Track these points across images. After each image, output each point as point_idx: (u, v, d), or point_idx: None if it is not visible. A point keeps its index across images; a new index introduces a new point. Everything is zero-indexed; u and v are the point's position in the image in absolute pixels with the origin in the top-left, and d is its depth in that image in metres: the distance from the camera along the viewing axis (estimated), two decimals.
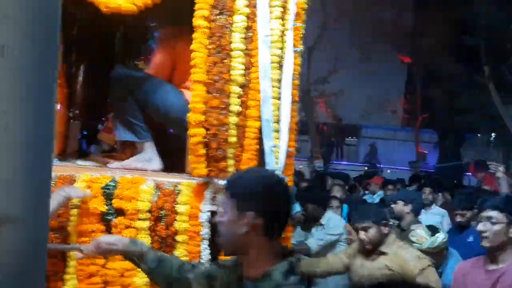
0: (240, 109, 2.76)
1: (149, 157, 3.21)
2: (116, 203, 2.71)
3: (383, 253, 3.46)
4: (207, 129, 2.69)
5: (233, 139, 2.72)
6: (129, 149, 3.45)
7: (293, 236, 4.95)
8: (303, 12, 3.06)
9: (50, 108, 0.81)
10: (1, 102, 0.74)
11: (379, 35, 19.07)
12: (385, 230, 3.51)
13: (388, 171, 17.52)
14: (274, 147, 2.82)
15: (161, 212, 2.71)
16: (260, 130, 2.80)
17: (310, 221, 4.85)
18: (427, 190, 6.16)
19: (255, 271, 1.68)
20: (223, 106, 2.72)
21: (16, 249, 0.79)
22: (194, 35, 2.75)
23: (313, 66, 19.10)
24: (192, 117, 2.67)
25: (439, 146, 19.55)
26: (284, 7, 2.94)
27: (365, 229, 3.47)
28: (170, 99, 3.13)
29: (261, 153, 2.83)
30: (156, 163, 3.20)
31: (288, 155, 2.99)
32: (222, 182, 2.59)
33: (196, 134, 2.67)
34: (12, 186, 0.77)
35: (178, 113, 3.00)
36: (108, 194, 2.74)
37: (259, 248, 1.68)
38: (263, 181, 1.75)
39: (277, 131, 2.89)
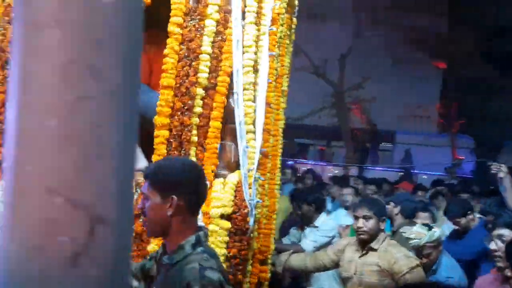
0: (202, 110, 2.88)
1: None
2: None
3: (373, 250, 3.52)
4: (171, 130, 2.83)
5: (194, 139, 2.85)
6: None
7: (288, 235, 5.07)
8: (278, 17, 3.17)
9: (134, 120, 0.90)
10: (95, 115, 0.82)
11: (413, 42, 18.95)
12: (382, 225, 3.58)
13: (424, 176, 17.24)
14: (247, 147, 2.94)
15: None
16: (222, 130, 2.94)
17: (304, 222, 4.93)
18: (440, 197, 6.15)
19: (173, 246, 1.91)
20: (186, 108, 2.85)
21: (109, 248, 0.84)
22: (167, 41, 2.91)
23: (347, 73, 19.13)
24: (158, 120, 2.83)
25: (475, 152, 19.14)
26: (259, 12, 3.07)
27: (366, 218, 3.54)
28: (152, 102, 3.30)
29: (236, 152, 2.97)
30: (142, 162, 3.37)
31: (264, 155, 3.11)
32: None
33: (159, 135, 2.82)
34: (103, 190, 0.84)
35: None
36: None
37: (180, 226, 1.90)
38: (182, 168, 1.96)
39: (252, 132, 3.01)
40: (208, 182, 2.58)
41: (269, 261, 3.76)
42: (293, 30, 3.93)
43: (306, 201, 4.86)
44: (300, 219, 5.07)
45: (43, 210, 0.80)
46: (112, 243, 0.86)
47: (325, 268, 3.94)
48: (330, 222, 4.84)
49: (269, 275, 3.61)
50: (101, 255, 0.84)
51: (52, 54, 0.81)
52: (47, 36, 0.81)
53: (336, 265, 3.80)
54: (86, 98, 0.83)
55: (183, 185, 1.89)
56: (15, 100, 0.84)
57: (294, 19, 3.97)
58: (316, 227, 4.74)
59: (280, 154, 3.81)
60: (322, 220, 4.80)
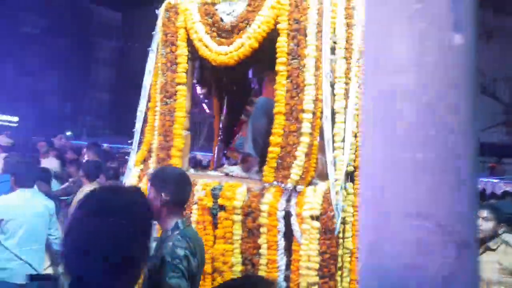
0: (310, 131, 3.56)
1: (255, 169, 4.17)
2: (220, 201, 3.71)
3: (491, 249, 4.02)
4: (283, 147, 3.56)
5: (302, 154, 3.53)
6: (245, 162, 4.42)
7: None
8: None
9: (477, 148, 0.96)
10: (454, 147, 0.91)
11: None
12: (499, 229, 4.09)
13: None
14: (333, 160, 3.55)
15: (249, 209, 3.62)
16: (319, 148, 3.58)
17: None
18: None
19: (164, 228, 2.69)
20: (296, 130, 3.56)
21: (473, 273, 0.92)
22: (276, 77, 3.67)
23: None
24: (272, 140, 3.59)
25: None
26: (347, 48, 3.68)
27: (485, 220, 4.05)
28: None
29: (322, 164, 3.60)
30: (256, 174, 4.14)
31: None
32: (289, 186, 3.47)
33: (273, 152, 3.57)
34: (462, 216, 0.90)
35: None
36: (214, 194, 3.76)
37: (167, 215, 2.66)
38: (171, 175, 2.81)
39: (341, 148, 3.60)
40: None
41: None
42: None
43: None
44: None
45: (407, 232, 0.90)
46: (475, 267, 0.92)
47: None
48: None
49: None
50: (468, 279, 0.90)
51: (414, 94, 0.93)
52: (407, 78, 0.93)
53: None
54: (446, 132, 0.90)
55: (169, 187, 2.67)
56: (372, 136, 0.97)
57: None
58: None
59: None
60: None
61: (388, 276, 0.91)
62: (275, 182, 3.58)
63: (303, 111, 3.57)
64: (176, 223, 2.65)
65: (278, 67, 3.67)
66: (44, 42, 27.50)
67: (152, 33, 4.20)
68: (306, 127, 3.56)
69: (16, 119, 27.50)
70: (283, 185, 3.54)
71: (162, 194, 2.65)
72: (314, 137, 3.61)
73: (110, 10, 39.95)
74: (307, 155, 3.58)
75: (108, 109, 37.39)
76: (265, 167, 3.65)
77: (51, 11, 28.53)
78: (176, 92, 4.03)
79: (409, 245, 0.89)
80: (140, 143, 4.19)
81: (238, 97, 5.12)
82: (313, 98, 3.58)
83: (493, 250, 3.90)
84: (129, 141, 4.27)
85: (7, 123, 25.89)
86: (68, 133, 17.99)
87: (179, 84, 4.03)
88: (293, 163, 3.56)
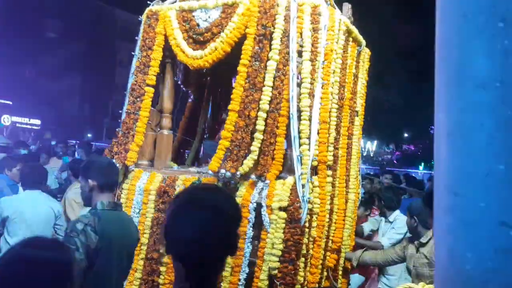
0: (263, 128, 3.86)
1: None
2: None
3: (422, 245, 4.10)
4: (233, 141, 3.88)
5: (253, 149, 3.84)
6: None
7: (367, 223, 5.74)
8: (331, 53, 4.00)
9: None
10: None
11: None
12: (414, 223, 4.25)
13: None
14: (300, 156, 3.82)
15: None
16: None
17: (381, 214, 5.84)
18: None
19: None
20: (247, 127, 3.88)
21: None
22: (236, 77, 3.98)
23: None
24: (223, 133, 3.91)
25: None
26: (313, 51, 3.95)
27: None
28: None
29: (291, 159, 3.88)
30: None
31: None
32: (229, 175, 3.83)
33: (221, 144, 3.95)
34: None
35: None
36: None
37: (95, 198, 3.05)
38: (98, 164, 3.19)
39: (307, 144, 3.87)
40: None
41: (343, 251, 4.55)
42: (364, 61, 4.77)
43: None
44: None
45: (490, 239, 0.96)
46: None
47: (393, 262, 4.53)
48: (403, 219, 5.36)
49: (334, 262, 4.39)
50: None
51: (494, 109, 0.96)
52: (490, 94, 0.97)
53: (403, 259, 4.38)
54: None
55: (93, 173, 3.05)
56: (455, 148, 1.02)
57: (367, 51, 4.79)
58: (390, 222, 5.52)
59: (354, 165, 4.61)
60: (395, 215, 5.55)
61: (470, 281, 0.99)
62: (221, 171, 3.90)
63: (258, 109, 3.88)
64: (94, 204, 3.03)
65: (240, 68, 4.00)
66: (66, 46, 28.21)
67: (135, 38, 4.54)
68: (260, 124, 3.88)
69: (38, 122, 28.36)
70: (229, 174, 3.86)
71: (89, 181, 3.05)
72: (277, 134, 3.89)
73: (131, 14, 40.80)
74: (265, 151, 3.88)
75: None
76: (213, 157, 3.97)
77: (73, 15, 29.27)
78: (144, 92, 4.40)
79: (492, 252, 0.96)
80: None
81: (222, 96, 5.44)
82: (269, 99, 3.88)
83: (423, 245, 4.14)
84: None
85: (30, 126, 26.76)
86: (89, 135, 18.50)
87: (148, 85, 4.41)
88: (244, 156, 3.87)
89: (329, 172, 4.14)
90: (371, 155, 39.64)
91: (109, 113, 36.72)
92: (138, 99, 4.42)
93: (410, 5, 26.55)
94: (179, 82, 4.98)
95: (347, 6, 4.59)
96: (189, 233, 1.55)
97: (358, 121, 4.94)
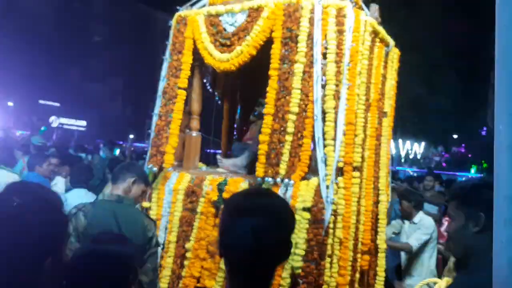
0: (294, 130, 3.91)
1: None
2: (224, 195, 4.14)
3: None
4: (269, 145, 3.94)
5: (285, 151, 3.90)
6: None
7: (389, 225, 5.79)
8: (356, 54, 4.04)
9: None
10: None
11: None
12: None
13: None
14: (325, 157, 3.88)
15: None
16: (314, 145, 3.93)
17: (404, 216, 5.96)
18: None
19: None
20: (282, 129, 3.93)
21: None
22: (269, 81, 4.06)
23: None
24: (261, 137, 3.98)
25: None
26: (338, 53, 4.00)
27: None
28: None
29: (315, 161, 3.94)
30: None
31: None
32: (278, 181, 3.85)
33: (261, 149, 3.96)
34: None
35: None
36: (220, 189, 4.20)
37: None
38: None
39: (332, 145, 3.93)
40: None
41: (379, 254, 4.57)
42: (393, 61, 4.76)
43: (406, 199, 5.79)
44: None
45: None
46: None
47: None
48: (429, 220, 5.43)
49: (367, 263, 4.41)
50: None
51: None
52: None
53: None
54: None
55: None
56: None
57: (396, 51, 4.79)
58: (415, 223, 5.69)
59: (384, 166, 4.63)
60: (420, 217, 5.72)
61: None
62: (266, 178, 3.97)
63: (289, 112, 3.95)
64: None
65: (271, 72, 4.08)
66: (110, 49, 28.93)
67: (166, 42, 4.71)
68: (290, 127, 3.94)
69: (84, 123, 29.27)
70: (271, 179, 3.93)
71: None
72: (303, 135, 3.95)
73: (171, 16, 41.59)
74: (293, 152, 3.94)
75: None
76: (257, 163, 4.04)
77: (116, 19, 30.01)
78: (177, 95, 4.53)
79: None
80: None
81: (251, 99, 5.54)
82: (298, 101, 3.95)
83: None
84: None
85: (75, 127, 27.66)
86: (131, 136, 18.97)
87: (180, 88, 4.55)
88: (280, 159, 3.94)
89: (356, 174, 4.17)
90: (418, 158, 38.97)
91: (151, 115, 37.50)
92: (170, 101, 4.58)
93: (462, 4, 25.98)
94: (207, 85, 5.12)
95: (374, 7, 4.60)
96: (245, 240, 1.52)
97: (387, 122, 4.94)
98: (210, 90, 5.39)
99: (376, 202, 4.68)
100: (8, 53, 20.42)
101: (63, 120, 26.03)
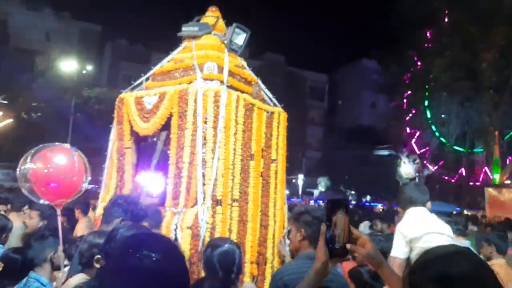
0: (187, 174, 6.12)
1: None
2: None
3: None
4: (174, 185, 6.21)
5: (183, 189, 6.11)
6: None
7: None
8: (229, 121, 6.21)
9: None
10: None
11: None
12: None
13: None
14: (202, 192, 6.04)
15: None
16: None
17: None
18: None
19: None
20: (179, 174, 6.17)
21: None
22: (170, 141, 6.33)
23: None
24: (168, 181, 6.26)
25: None
26: (214, 121, 6.20)
27: None
28: None
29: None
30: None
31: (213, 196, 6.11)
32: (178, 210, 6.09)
33: (169, 187, 6.24)
34: None
35: None
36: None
37: None
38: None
39: (208, 184, 6.08)
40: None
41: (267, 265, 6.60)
42: (279, 121, 6.96)
43: None
44: None
45: None
46: None
47: None
48: None
49: (256, 272, 6.44)
50: None
51: None
52: None
53: None
54: None
55: None
56: None
57: (283, 113, 6.98)
58: None
59: (278, 199, 6.75)
60: None
61: None
62: (172, 208, 6.15)
63: (182, 162, 6.16)
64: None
65: (171, 135, 6.35)
66: None
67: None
68: (184, 172, 6.13)
69: None
70: (174, 209, 6.11)
71: None
72: (192, 178, 6.13)
73: (319, 73, 47.30)
74: (186, 190, 6.12)
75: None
76: (167, 198, 6.27)
77: (270, 82, 33.34)
78: (125, 153, 6.87)
79: None
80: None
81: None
82: (189, 154, 6.15)
83: None
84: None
85: None
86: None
87: (126, 148, 6.88)
88: (179, 195, 6.13)
89: (235, 204, 6.29)
90: None
91: (303, 169, 41.56)
92: (121, 157, 6.93)
93: None
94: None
95: (256, 87, 6.82)
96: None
97: (280, 166, 7.03)
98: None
99: (265, 226, 6.73)
100: None
101: None
